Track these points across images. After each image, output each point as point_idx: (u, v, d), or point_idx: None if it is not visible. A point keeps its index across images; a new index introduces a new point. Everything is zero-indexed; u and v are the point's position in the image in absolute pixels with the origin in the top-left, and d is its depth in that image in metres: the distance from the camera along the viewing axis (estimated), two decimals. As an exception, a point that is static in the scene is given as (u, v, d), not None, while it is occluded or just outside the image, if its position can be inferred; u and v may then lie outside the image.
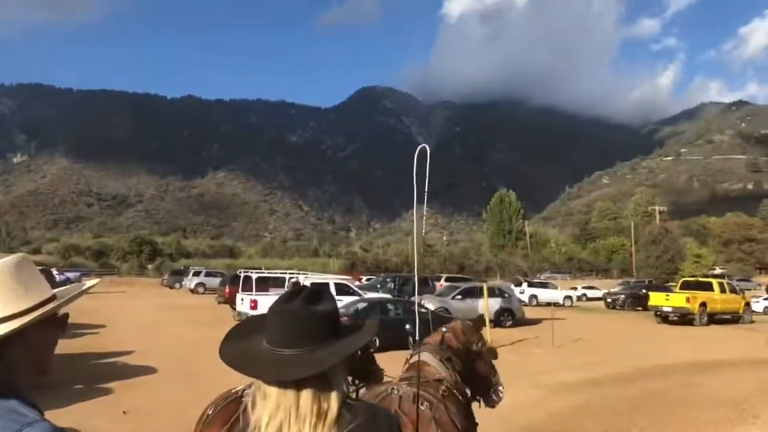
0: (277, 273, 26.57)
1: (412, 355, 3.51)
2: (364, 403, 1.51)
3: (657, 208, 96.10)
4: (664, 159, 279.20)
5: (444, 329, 3.71)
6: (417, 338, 3.66)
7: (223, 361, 1.43)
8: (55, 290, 1.50)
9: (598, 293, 49.57)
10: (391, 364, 4.18)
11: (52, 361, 1.48)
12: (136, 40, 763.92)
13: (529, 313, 27.47)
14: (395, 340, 9.02)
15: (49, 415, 1.05)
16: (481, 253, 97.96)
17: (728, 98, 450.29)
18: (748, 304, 28.87)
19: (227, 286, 26.66)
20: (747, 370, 13.97)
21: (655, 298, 27.54)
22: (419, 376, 2.97)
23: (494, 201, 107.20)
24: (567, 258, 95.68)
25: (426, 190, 3.82)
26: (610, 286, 53.29)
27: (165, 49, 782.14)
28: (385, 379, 3.63)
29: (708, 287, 27.33)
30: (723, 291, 27.27)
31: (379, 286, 28.98)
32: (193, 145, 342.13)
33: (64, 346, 15.20)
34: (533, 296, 39.36)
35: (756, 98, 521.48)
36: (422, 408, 2.86)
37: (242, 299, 20.26)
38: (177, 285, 47.83)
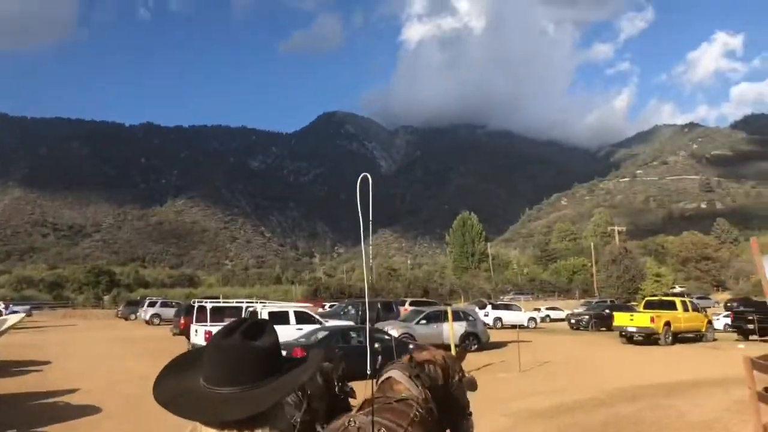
0: (232, 302, 25.68)
1: (380, 375, 3.49)
2: None
3: (616, 228, 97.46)
4: (621, 180, 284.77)
5: (411, 346, 3.56)
6: (368, 371, 3.48)
7: (157, 401, 1.35)
8: None
9: (562, 314, 49.64)
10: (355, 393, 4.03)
11: None
12: (92, 67, 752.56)
13: (495, 336, 27.06)
14: (359, 369, 8.41)
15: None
16: (444, 276, 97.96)
17: (680, 120, 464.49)
18: (710, 323, 28.97)
19: (182, 317, 25.66)
20: (716, 391, 13.70)
21: (620, 319, 27.42)
22: (373, 406, 2.86)
23: (457, 223, 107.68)
24: (529, 279, 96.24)
25: (371, 218, 3.88)
26: (573, 306, 53.49)
27: (123, 77, 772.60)
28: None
29: (671, 306, 27.34)
30: (686, 310, 27.31)
31: (342, 313, 28.29)
32: (151, 173, 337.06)
33: (1, 386, 14.17)
34: (498, 319, 39.08)
35: (706, 120, 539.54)
36: None
37: (196, 330, 19.36)
38: (132, 316, 46.29)
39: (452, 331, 18.45)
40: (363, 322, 23.74)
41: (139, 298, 58.70)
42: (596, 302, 49.82)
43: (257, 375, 1.34)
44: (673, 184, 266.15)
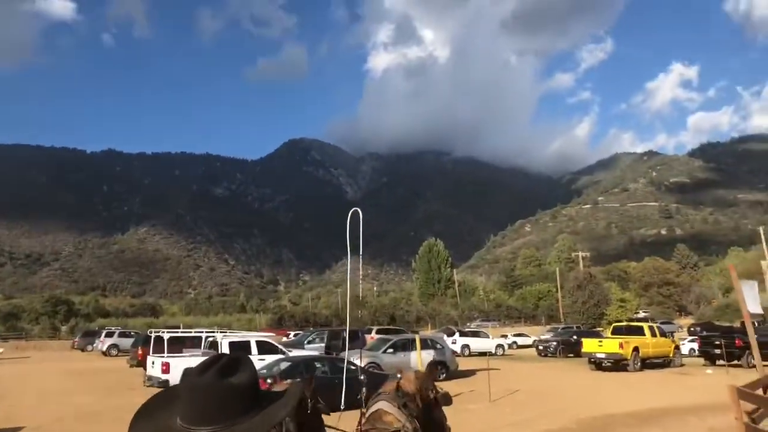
0: (191, 332, 24.71)
1: (368, 406, 3.44)
2: None
3: (580, 253, 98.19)
4: (583, 207, 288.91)
5: (399, 375, 3.66)
6: (363, 402, 3.57)
7: None
8: None
9: (529, 340, 49.45)
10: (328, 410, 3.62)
11: None
12: (54, 92, 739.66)
13: (463, 363, 26.56)
14: (326, 401, 7.84)
15: None
16: (411, 302, 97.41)
17: (640, 148, 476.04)
18: (677, 348, 28.95)
19: (140, 348, 24.59)
20: (691, 419, 13.42)
21: (588, 345, 27.20)
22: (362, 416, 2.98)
23: (423, 250, 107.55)
24: (495, 305, 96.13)
25: (360, 252, 4.05)
26: (539, 332, 53.42)
27: (85, 102, 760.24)
28: None
29: (639, 332, 27.24)
30: (654, 335, 27.24)
31: (306, 342, 27.51)
32: (113, 200, 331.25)
33: (-62, 426, 13.17)
34: (466, 346, 38.59)
35: (665, 148, 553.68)
36: None
37: (153, 362, 18.44)
38: (89, 347, 44.53)
39: (420, 359, 17.92)
40: (328, 351, 23.06)
41: (97, 328, 56.68)
42: (562, 328, 49.79)
43: (234, 413, 1.30)
44: (633, 211, 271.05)
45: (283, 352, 19.40)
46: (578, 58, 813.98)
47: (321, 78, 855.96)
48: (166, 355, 18.55)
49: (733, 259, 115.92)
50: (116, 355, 38.41)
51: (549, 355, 36.90)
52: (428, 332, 48.24)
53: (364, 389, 4.02)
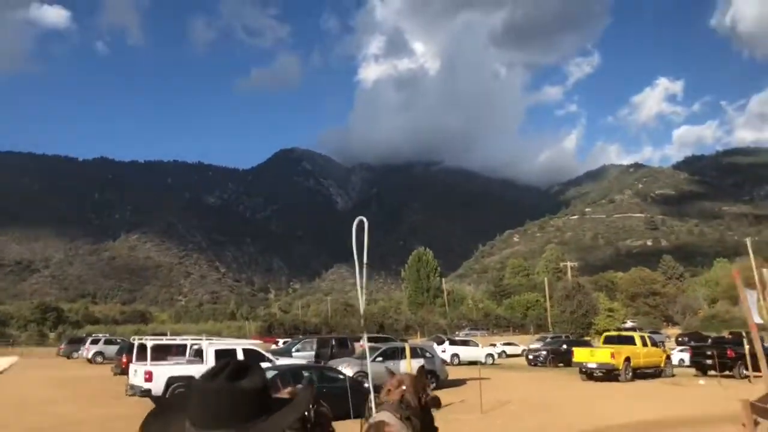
0: (176, 340, 24.23)
1: (369, 417, 3.55)
2: None
3: (569, 263, 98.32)
4: (571, 218, 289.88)
5: (403, 387, 3.56)
6: (367, 413, 3.65)
7: None
8: None
9: (518, 349, 49.19)
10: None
11: None
12: (46, 100, 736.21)
13: (452, 373, 26.23)
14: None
15: None
16: (400, 311, 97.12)
17: (626, 161, 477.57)
18: (669, 358, 28.74)
19: (124, 355, 24.10)
20: (685, 431, 13.16)
21: (580, 354, 26.93)
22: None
23: (412, 259, 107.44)
24: (484, 314, 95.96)
25: (366, 261, 4.24)
26: (528, 341, 53.14)
27: (77, 110, 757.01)
28: None
29: (631, 341, 27.00)
30: (645, 345, 27.01)
31: (295, 350, 27.10)
32: (104, 208, 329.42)
33: None
34: (455, 355, 38.25)
35: (651, 161, 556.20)
36: None
37: (135, 370, 17.99)
38: (75, 354, 43.82)
39: (410, 368, 17.60)
40: (316, 359, 22.70)
41: (84, 335, 55.86)
42: (551, 337, 49.50)
43: (243, 417, 1.32)
44: (620, 222, 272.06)
45: (270, 361, 19.01)
46: (566, 71, 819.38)
47: (312, 88, 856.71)
48: (149, 363, 18.11)
49: (719, 270, 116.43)
50: (101, 363, 37.75)
51: (539, 364, 36.61)
52: (418, 341, 47.87)
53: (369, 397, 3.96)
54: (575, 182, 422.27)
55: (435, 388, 21.81)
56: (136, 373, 17.76)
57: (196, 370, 17.67)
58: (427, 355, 23.51)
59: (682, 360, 33.48)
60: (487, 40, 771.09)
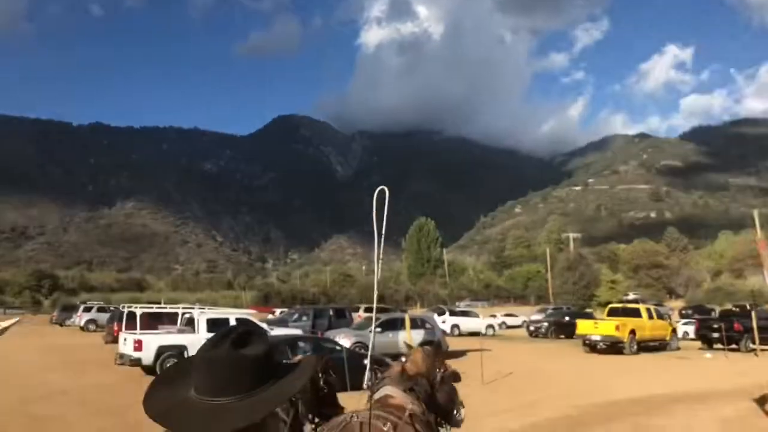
0: (167, 308, 23.57)
1: (372, 390, 3.45)
2: None
3: (571, 235, 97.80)
4: (573, 189, 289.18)
5: (403, 359, 3.66)
6: (367, 383, 3.66)
7: (147, 414, 1.32)
8: None
9: (518, 321, 48.85)
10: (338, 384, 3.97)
11: None
12: (39, 62, 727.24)
13: (453, 344, 25.61)
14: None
15: None
16: (400, 282, 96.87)
17: (632, 130, 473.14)
18: (674, 331, 28.16)
19: (115, 324, 23.46)
20: (699, 408, 12.47)
21: (583, 326, 26.30)
22: (371, 397, 2.97)
23: (413, 229, 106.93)
24: (484, 285, 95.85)
25: (383, 231, 4.00)
26: (528, 313, 52.76)
27: (71, 73, 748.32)
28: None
29: (636, 314, 26.33)
30: (651, 317, 26.37)
31: (292, 320, 26.46)
32: (100, 175, 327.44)
33: None
34: (455, 326, 37.73)
35: (657, 131, 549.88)
36: (385, 429, 2.83)
37: (125, 339, 17.31)
38: (68, 322, 43.35)
39: (410, 338, 16.93)
40: (313, 329, 22.05)
41: (78, 302, 55.43)
42: (552, 309, 49.04)
43: (248, 384, 1.32)
44: (623, 193, 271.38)
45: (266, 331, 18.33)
46: (573, 37, 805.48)
47: (312, 53, 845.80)
48: (138, 331, 17.43)
49: (723, 242, 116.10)
50: (94, 331, 37.24)
51: (540, 336, 36.10)
52: (418, 311, 47.42)
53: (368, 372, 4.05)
54: (579, 152, 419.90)
55: (435, 360, 21.18)
56: (126, 342, 17.11)
57: (187, 340, 17.04)
58: (427, 326, 22.83)
59: (686, 333, 32.92)
60: (493, 5, 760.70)
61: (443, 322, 35.40)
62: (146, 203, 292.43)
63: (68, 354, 23.43)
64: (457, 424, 3.78)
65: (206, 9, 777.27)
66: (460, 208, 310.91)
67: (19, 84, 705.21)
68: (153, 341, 16.72)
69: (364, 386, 3.73)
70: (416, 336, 20.38)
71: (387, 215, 4.27)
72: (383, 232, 4.18)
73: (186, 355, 16.49)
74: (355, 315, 30.65)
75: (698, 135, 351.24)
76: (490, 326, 39.90)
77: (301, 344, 15.65)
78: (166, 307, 24.33)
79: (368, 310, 36.66)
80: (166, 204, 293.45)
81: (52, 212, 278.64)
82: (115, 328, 23.11)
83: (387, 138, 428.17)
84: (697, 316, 35.41)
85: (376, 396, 3.38)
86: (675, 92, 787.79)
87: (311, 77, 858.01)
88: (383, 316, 23.81)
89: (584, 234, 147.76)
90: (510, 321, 48.72)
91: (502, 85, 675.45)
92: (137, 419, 11.28)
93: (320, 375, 3.88)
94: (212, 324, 17.26)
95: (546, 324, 36.72)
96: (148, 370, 16.75)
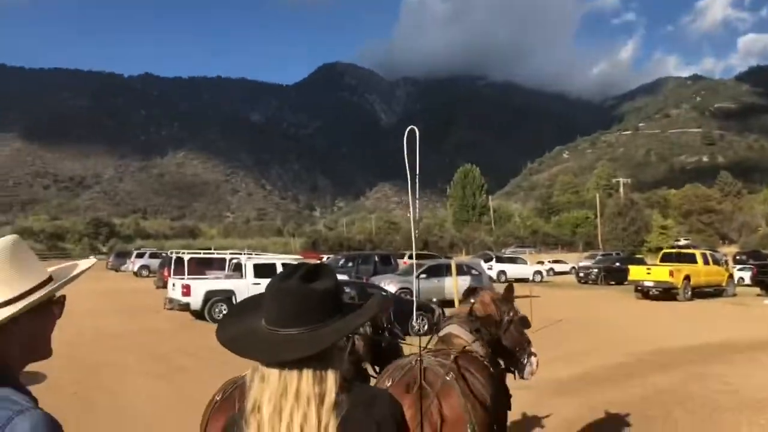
0: (214, 254, 23.89)
1: (440, 328, 3.56)
2: (363, 386, 1.51)
3: (621, 180, 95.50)
4: (623, 133, 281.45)
5: (472, 300, 3.64)
6: (415, 326, 4.32)
7: (220, 342, 1.41)
8: (51, 270, 1.49)
9: (566, 267, 48.19)
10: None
11: (50, 344, 1.47)
12: (91, 16, 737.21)
13: (499, 291, 25.30)
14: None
15: None
16: (444, 229, 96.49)
17: (685, 72, 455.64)
18: (731, 276, 27.23)
19: (165, 269, 23.90)
20: (759, 355, 11.95)
21: (636, 272, 25.64)
22: (420, 348, 2.97)
23: (458, 176, 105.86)
24: (531, 232, 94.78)
25: (417, 171, 4.15)
26: (576, 259, 51.99)
27: (121, 26, 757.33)
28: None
29: (691, 259, 25.49)
30: (706, 263, 25.50)
31: (338, 266, 26.51)
32: (151, 125, 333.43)
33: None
34: (502, 272, 37.34)
35: (712, 72, 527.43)
36: (447, 378, 2.85)
37: (173, 284, 17.57)
38: (123, 268, 44.60)
39: (456, 285, 16.67)
40: (358, 275, 22.01)
41: (132, 249, 56.93)
42: (601, 255, 48.12)
43: (315, 317, 1.37)
44: (675, 137, 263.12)
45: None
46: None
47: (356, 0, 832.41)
48: (186, 277, 17.64)
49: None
50: (147, 276, 38.24)
51: (590, 282, 35.42)
52: (463, 258, 47.16)
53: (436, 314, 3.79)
54: (629, 96, 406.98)
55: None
56: (175, 287, 17.36)
57: (235, 285, 17.16)
58: (474, 272, 22.52)
59: (741, 279, 31.86)
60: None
61: (490, 268, 34.97)
62: (196, 152, 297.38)
63: (121, 299, 24.03)
64: (524, 373, 3.80)
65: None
66: (505, 154, 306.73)
67: (72, 37, 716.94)
68: (201, 286, 16.91)
69: (410, 332, 3.87)
70: (462, 282, 20.12)
71: (419, 155, 4.07)
72: (417, 170, 4.04)
73: (234, 300, 16.66)
74: (400, 262, 30.58)
75: (755, 76, 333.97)
76: (538, 272, 39.39)
77: (346, 290, 15.56)
78: (213, 253, 24.66)
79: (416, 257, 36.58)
80: (216, 153, 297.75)
81: (107, 162, 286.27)
82: (165, 273, 23.52)
83: (432, 84, 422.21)
84: (752, 262, 34.14)
85: (441, 333, 3.46)
86: (732, 31, 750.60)
87: (356, 24, 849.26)
88: (429, 263, 23.63)
89: (634, 179, 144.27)
90: (558, 267, 48.08)
91: (550, 27, 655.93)
92: (183, 364, 11.40)
93: (386, 326, 4.03)
94: (259, 269, 17.33)
95: (596, 270, 35.97)
96: (197, 314, 16.99)
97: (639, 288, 25.17)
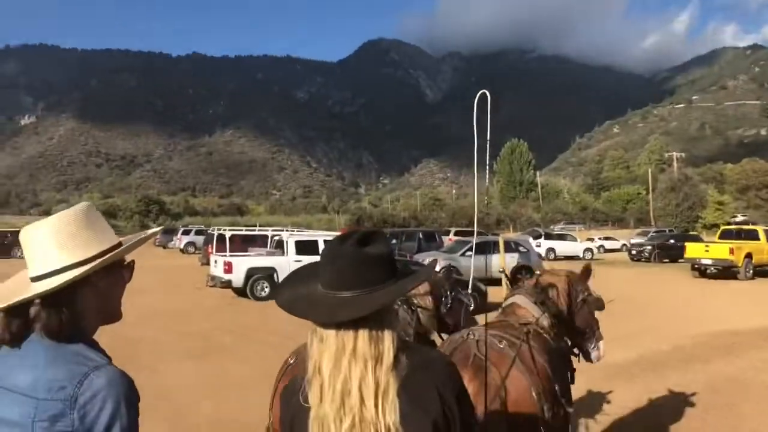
0: (256, 231, 23.76)
1: (506, 298, 3.52)
2: (420, 347, 1.52)
3: (674, 154, 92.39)
4: (676, 107, 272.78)
5: (538, 272, 3.65)
6: (470, 304, 3.92)
7: (278, 305, 1.47)
8: (122, 238, 1.58)
9: (617, 244, 46.96)
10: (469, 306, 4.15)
11: (120, 307, 1.57)
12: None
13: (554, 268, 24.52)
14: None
15: None
16: (491, 205, 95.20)
17: (743, 42, 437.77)
18: (797, 254, 25.80)
19: (209, 246, 23.94)
20: (834, 340, 11.08)
21: (693, 250, 24.48)
22: (486, 320, 2.90)
23: (505, 151, 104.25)
24: (580, 208, 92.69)
25: (488, 138, 3.88)
26: (627, 236, 50.55)
27: (169, 7, 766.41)
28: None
29: (753, 236, 24.18)
30: (770, 240, 24.16)
31: (381, 242, 26.16)
32: (199, 104, 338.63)
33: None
34: (551, 249, 36.44)
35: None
36: (501, 346, 2.85)
37: (215, 261, 17.46)
38: (170, 244, 45.27)
39: (504, 262, 16.07)
40: (402, 253, 21.55)
41: (180, 226, 57.75)
42: (654, 231, 46.56)
43: (370, 280, 1.40)
44: (731, 110, 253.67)
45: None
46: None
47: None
48: (228, 254, 17.51)
49: None
50: (193, 253, 38.67)
51: (643, 259, 34.24)
52: (510, 235, 46.28)
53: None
54: (683, 68, 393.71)
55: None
56: (217, 264, 17.26)
57: (276, 262, 16.94)
58: (522, 249, 21.84)
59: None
60: None
61: (538, 245, 34.12)
62: (243, 131, 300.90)
63: (166, 275, 24.18)
64: (590, 356, 3.66)
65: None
66: (554, 129, 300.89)
67: (121, 18, 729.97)
68: (242, 263, 16.74)
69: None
70: (510, 260, 19.51)
71: (490, 121, 3.85)
72: (488, 138, 3.86)
73: (275, 278, 16.44)
74: (445, 239, 30.03)
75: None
76: (588, 250, 38.32)
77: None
78: (255, 230, 24.56)
79: (459, 233, 35.88)
80: (262, 131, 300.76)
81: (157, 141, 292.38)
82: (209, 250, 23.54)
83: (478, 59, 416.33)
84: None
85: (505, 304, 3.42)
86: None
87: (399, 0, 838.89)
88: (474, 239, 22.97)
89: (687, 154, 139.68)
90: (608, 244, 46.85)
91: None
92: (222, 342, 11.19)
93: (449, 293, 3.92)
94: (301, 246, 17.08)
95: (649, 247, 34.71)
96: (239, 292, 16.86)
97: (696, 266, 24.07)
